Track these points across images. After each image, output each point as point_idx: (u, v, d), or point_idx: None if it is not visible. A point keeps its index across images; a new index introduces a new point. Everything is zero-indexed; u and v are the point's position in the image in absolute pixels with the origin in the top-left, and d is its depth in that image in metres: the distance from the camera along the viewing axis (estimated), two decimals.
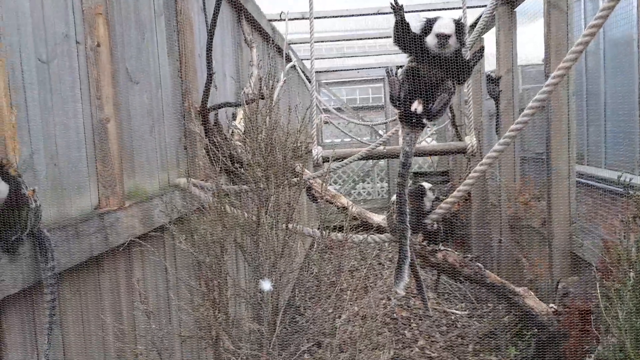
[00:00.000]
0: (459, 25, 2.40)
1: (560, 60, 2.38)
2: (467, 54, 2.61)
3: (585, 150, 6.68)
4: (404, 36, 2.44)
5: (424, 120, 2.49)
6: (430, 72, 2.39)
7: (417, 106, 2.40)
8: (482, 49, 2.44)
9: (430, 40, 2.37)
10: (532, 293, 4.18)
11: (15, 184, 1.84)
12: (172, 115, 3.43)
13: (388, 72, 2.49)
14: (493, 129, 7.54)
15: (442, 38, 2.35)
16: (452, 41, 2.37)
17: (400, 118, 2.50)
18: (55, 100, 2.23)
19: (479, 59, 2.46)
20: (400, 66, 2.61)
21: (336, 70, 11.84)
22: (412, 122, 2.44)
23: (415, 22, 2.54)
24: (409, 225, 2.53)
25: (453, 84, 2.45)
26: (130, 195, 2.77)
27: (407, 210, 2.53)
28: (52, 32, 2.23)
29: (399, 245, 2.61)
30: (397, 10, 2.46)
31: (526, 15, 6.56)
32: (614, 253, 2.44)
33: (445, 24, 2.37)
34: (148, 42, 3.13)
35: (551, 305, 4.11)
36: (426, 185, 3.02)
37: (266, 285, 2.12)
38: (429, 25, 2.42)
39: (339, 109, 11.89)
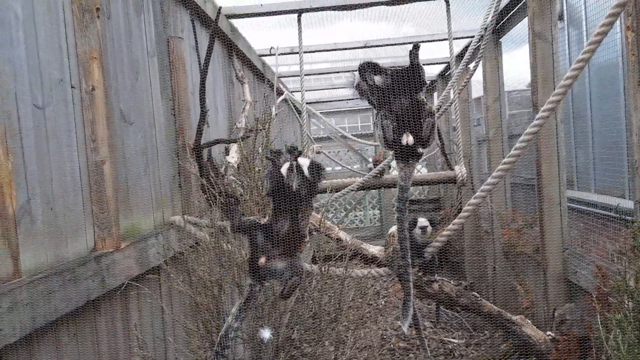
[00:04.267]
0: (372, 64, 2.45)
1: (548, 89, 2.43)
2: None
3: (574, 174, 6.74)
4: (367, 92, 2.48)
5: (419, 150, 2.51)
6: (400, 103, 2.41)
7: (407, 139, 2.42)
8: (416, 46, 2.45)
9: (378, 80, 2.42)
10: (529, 321, 4.17)
11: None
12: (166, 153, 3.44)
13: (377, 117, 2.52)
14: (483, 155, 7.62)
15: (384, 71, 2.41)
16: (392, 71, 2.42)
17: (396, 157, 2.52)
18: (51, 144, 2.24)
19: (417, 56, 2.46)
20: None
21: (326, 101, 11.96)
22: (408, 156, 2.46)
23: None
24: (410, 261, 2.53)
25: (424, 102, 2.48)
26: (126, 235, 2.76)
27: (409, 245, 2.53)
28: (48, 77, 2.25)
29: (402, 283, 2.60)
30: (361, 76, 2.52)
31: (511, 42, 6.68)
32: (613, 283, 2.45)
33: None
34: (142, 83, 3.16)
35: (548, 333, 4.10)
36: (421, 219, 3.03)
37: (266, 333, 2.09)
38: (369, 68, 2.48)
39: (328, 139, 11.98)
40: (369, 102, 2.53)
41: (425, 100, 2.48)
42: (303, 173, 2.08)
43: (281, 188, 2.10)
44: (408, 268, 2.53)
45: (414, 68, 2.40)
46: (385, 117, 2.42)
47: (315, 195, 2.18)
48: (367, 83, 2.47)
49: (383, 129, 2.42)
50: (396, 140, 2.41)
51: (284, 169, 2.09)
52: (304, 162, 2.12)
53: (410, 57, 2.41)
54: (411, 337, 6.08)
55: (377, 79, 2.42)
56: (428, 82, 10.08)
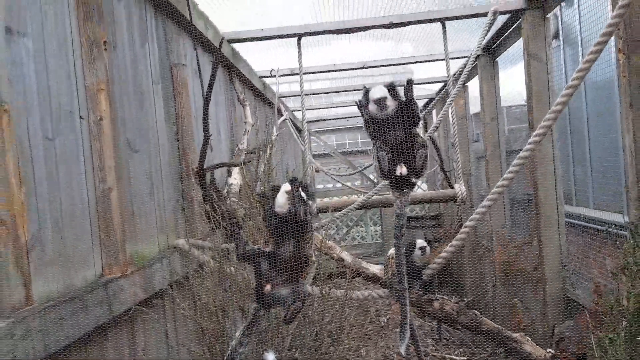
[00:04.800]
0: (389, 86, 2.54)
1: (543, 108, 2.51)
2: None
3: (573, 190, 6.81)
4: (372, 125, 2.57)
5: (413, 180, 2.60)
6: (395, 135, 2.51)
7: (401, 170, 2.51)
8: (410, 82, 2.55)
9: (372, 107, 2.52)
10: (529, 338, 4.21)
11: None
12: (170, 177, 3.52)
13: (374, 147, 2.61)
14: (483, 171, 7.69)
15: (380, 102, 2.49)
16: (389, 101, 2.51)
17: (391, 186, 2.60)
18: (61, 174, 2.32)
19: (411, 91, 2.55)
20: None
21: (326, 120, 12.09)
22: (402, 186, 2.56)
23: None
24: (407, 286, 2.60)
25: (417, 134, 2.57)
26: (132, 260, 2.82)
27: (405, 270, 2.61)
28: (58, 109, 2.34)
29: (400, 305, 2.67)
30: (360, 107, 2.62)
31: (508, 59, 6.79)
32: (605, 301, 2.51)
33: (377, 89, 2.53)
34: (147, 110, 3.25)
35: (549, 350, 4.14)
36: (419, 240, 3.11)
37: (270, 356, 2.15)
38: (366, 97, 2.57)
39: (328, 155, 12.07)
40: (366, 131, 2.63)
41: (418, 132, 2.57)
42: (297, 201, 2.17)
43: (277, 220, 2.19)
44: (405, 292, 2.60)
45: (408, 103, 2.50)
46: (380, 149, 2.52)
47: (311, 216, 2.26)
48: (365, 115, 2.57)
49: (379, 160, 2.52)
50: (391, 170, 2.51)
51: (277, 204, 2.18)
52: (284, 189, 2.21)
53: (404, 92, 2.51)
54: (412, 355, 6.11)
55: (374, 111, 2.51)
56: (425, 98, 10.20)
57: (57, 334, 2.05)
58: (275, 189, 2.24)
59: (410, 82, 2.51)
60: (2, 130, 1.97)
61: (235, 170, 4.65)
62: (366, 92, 2.57)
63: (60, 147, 2.33)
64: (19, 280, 1.99)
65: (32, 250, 2.07)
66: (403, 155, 2.50)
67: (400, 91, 2.53)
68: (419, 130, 2.58)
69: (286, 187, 2.20)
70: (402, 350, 2.57)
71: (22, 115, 2.10)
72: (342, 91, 8.99)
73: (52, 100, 2.30)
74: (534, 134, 2.59)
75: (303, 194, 2.22)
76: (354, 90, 8.93)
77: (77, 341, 2.19)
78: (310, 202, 2.23)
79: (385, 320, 7.59)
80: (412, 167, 2.52)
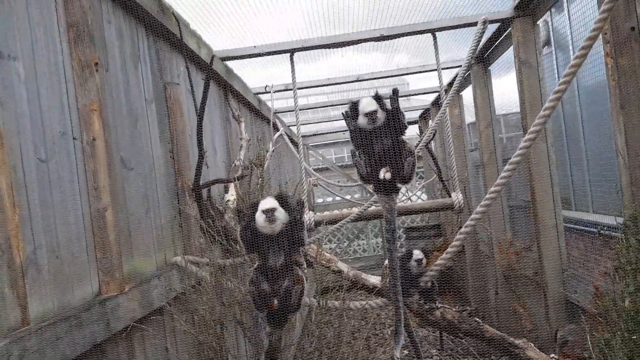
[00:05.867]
0: (377, 98, 2.58)
1: (535, 114, 2.54)
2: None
3: (571, 195, 6.81)
4: (358, 135, 2.62)
5: (398, 185, 2.62)
6: (382, 143, 2.54)
7: (384, 174, 2.54)
8: (395, 91, 2.59)
9: (362, 120, 2.55)
10: (532, 344, 4.20)
11: None
12: (165, 195, 3.54)
13: (353, 153, 2.65)
14: (481, 180, 7.71)
15: (370, 115, 2.53)
16: (379, 114, 2.54)
17: (375, 190, 2.64)
18: (55, 195, 2.34)
19: (396, 101, 2.57)
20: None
21: (323, 133, 12.14)
22: (387, 190, 2.58)
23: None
24: (400, 289, 2.61)
25: (404, 142, 2.60)
26: (129, 278, 2.83)
27: (398, 274, 2.62)
28: (50, 131, 2.37)
29: (394, 309, 2.68)
30: (346, 118, 2.66)
31: (502, 67, 6.83)
32: (601, 303, 2.51)
33: (367, 103, 2.56)
34: (141, 129, 3.28)
35: (552, 355, 4.13)
36: (416, 252, 3.13)
37: None
38: (354, 109, 2.61)
39: (326, 169, 12.10)
40: (351, 141, 2.67)
41: (405, 140, 2.60)
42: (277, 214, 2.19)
43: (260, 236, 2.22)
44: (398, 295, 2.61)
45: (395, 112, 2.54)
46: (358, 156, 2.57)
47: (300, 223, 2.26)
48: (350, 125, 2.61)
49: (356, 166, 2.57)
50: (370, 174, 2.55)
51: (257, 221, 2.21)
52: (264, 204, 2.22)
53: (390, 102, 2.54)
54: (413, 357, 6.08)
55: (364, 124, 2.55)
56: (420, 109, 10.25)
57: (54, 354, 2.06)
58: (254, 206, 2.26)
59: (395, 92, 2.55)
60: None
61: (232, 186, 4.68)
62: (353, 105, 2.61)
63: (53, 168, 2.35)
64: (14, 302, 2.00)
65: (27, 271, 2.09)
66: (389, 161, 2.53)
67: (387, 102, 2.57)
68: (405, 138, 2.62)
69: (264, 203, 2.21)
70: (397, 354, 2.58)
71: (14, 137, 2.12)
72: (338, 104, 9.04)
73: (44, 122, 2.33)
74: (525, 138, 2.61)
75: (282, 210, 2.22)
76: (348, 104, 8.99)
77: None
78: (295, 214, 2.24)
79: (389, 332, 7.56)
80: (399, 174, 2.55)
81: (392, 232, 2.59)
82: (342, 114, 2.64)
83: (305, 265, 2.26)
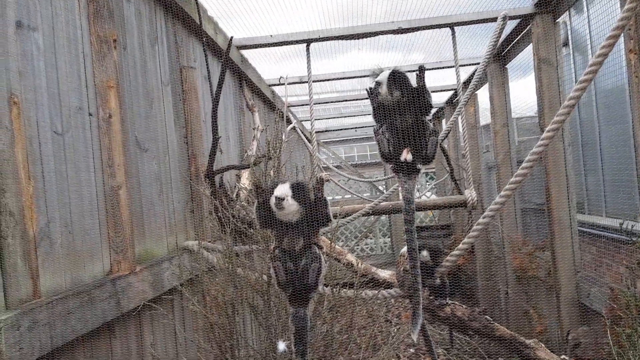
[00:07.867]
0: (394, 74, 2.51)
1: (554, 113, 2.47)
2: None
3: (585, 199, 6.73)
4: (381, 111, 2.56)
5: (418, 166, 2.57)
6: (405, 121, 2.48)
7: (406, 155, 2.48)
8: (422, 68, 2.52)
9: (383, 91, 2.49)
10: (543, 345, 4.13)
11: None
12: (179, 179, 3.51)
13: (375, 131, 2.59)
14: (493, 181, 7.64)
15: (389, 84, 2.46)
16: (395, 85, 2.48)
17: (394, 170, 2.58)
18: (70, 169, 2.31)
19: (423, 79, 2.51)
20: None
21: (334, 130, 12.10)
22: (407, 170, 2.52)
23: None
24: (419, 272, 2.55)
25: (427, 122, 2.55)
26: (140, 259, 2.81)
27: (418, 256, 2.56)
28: (67, 105, 2.34)
29: (412, 292, 2.61)
30: (370, 95, 2.60)
31: (517, 70, 6.77)
32: (622, 299, 2.45)
33: (383, 76, 2.50)
34: (156, 111, 3.25)
35: (563, 356, 4.05)
36: (424, 253, 3.08)
37: (281, 345, 2.12)
38: (377, 85, 2.55)
39: (338, 167, 12.05)
40: (373, 118, 2.61)
41: (428, 120, 2.55)
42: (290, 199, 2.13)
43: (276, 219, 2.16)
44: (418, 277, 2.55)
45: (420, 90, 2.48)
46: (382, 133, 2.51)
47: (323, 200, 2.19)
48: (374, 101, 2.55)
49: (379, 143, 2.51)
50: (392, 153, 2.49)
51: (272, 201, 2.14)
52: (278, 189, 2.16)
53: (416, 79, 2.49)
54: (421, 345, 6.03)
55: (384, 95, 2.49)
56: (435, 107, 10.17)
57: (64, 328, 2.03)
58: (274, 185, 2.19)
59: (422, 69, 2.49)
60: (11, 122, 1.97)
61: (245, 176, 4.64)
62: (375, 76, 2.55)
63: (69, 142, 2.32)
64: (26, 273, 1.98)
65: (40, 243, 2.06)
66: (411, 141, 2.48)
67: (413, 79, 2.51)
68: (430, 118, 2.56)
69: (278, 189, 2.15)
70: (415, 337, 2.52)
71: (31, 109, 2.10)
72: (351, 100, 8.99)
73: (61, 95, 2.31)
74: (543, 135, 2.54)
75: (293, 202, 2.16)
76: (363, 99, 8.94)
77: (85, 336, 2.17)
78: (316, 192, 2.18)
79: (395, 330, 7.49)
80: (421, 154, 2.49)
81: (411, 213, 2.54)
82: (366, 89, 2.59)
83: (323, 247, 2.21)
